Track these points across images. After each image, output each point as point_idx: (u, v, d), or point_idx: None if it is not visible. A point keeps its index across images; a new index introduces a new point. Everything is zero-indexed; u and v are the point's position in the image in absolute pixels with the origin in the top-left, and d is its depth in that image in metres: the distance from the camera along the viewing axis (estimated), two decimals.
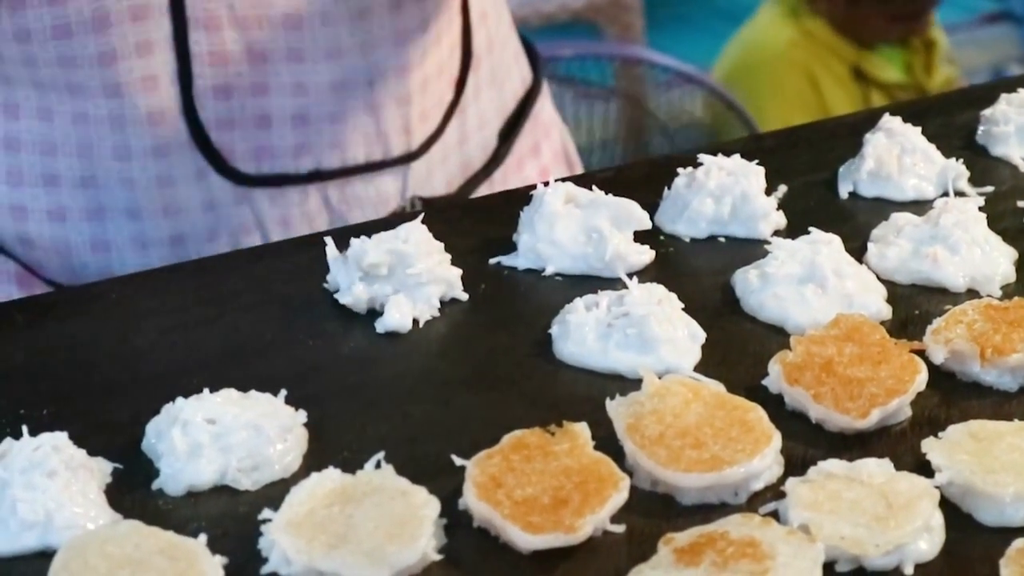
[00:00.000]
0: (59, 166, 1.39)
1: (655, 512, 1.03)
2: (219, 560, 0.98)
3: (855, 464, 1.03)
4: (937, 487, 1.02)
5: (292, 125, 1.41)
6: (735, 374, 1.15)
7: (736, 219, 1.33)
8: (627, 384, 1.14)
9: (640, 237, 1.30)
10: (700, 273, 1.29)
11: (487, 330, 1.23)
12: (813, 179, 1.41)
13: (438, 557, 0.99)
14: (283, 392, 1.11)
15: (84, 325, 1.25)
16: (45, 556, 0.99)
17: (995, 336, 1.15)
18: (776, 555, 0.96)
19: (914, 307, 1.24)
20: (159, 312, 1.26)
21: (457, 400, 1.15)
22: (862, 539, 0.97)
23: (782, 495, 1.02)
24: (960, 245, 1.26)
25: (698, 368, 1.16)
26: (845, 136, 1.46)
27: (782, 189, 1.38)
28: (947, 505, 1.02)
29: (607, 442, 1.06)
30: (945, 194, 1.36)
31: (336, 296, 1.24)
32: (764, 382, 1.14)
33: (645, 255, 1.29)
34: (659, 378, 1.10)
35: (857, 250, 1.29)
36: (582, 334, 1.18)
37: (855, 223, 1.34)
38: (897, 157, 1.39)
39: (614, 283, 1.25)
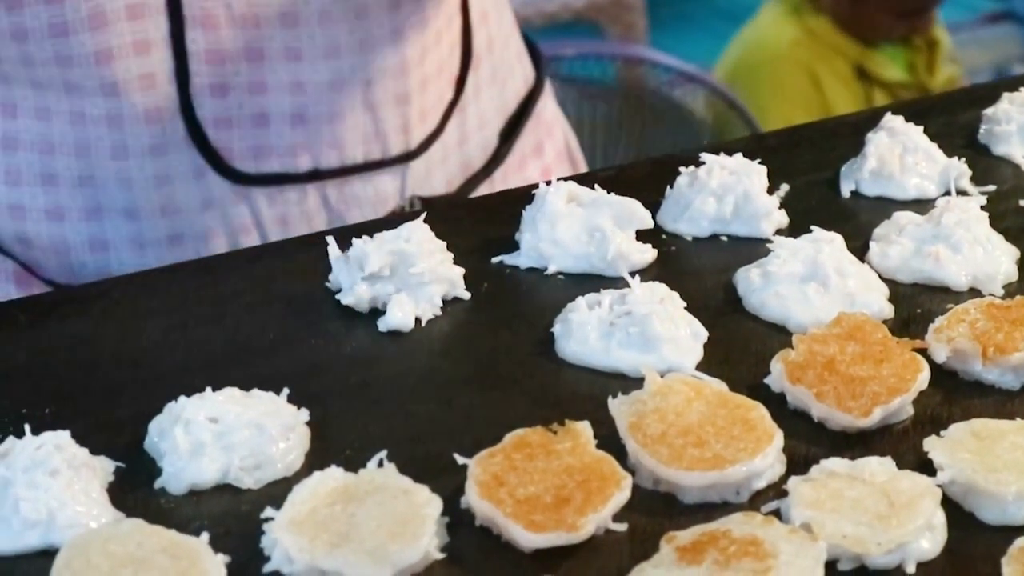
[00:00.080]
0: (57, 165, 1.39)
1: (657, 511, 1.03)
2: (221, 559, 0.98)
3: (857, 463, 1.03)
4: (939, 486, 1.02)
5: (290, 124, 1.41)
6: (737, 373, 1.15)
7: (738, 218, 1.33)
8: (629, 383, 1.14)
9: (642, 236, 1.30)
10: (702, 272, 1.29)
11: (489, 329, 1.23)
12: (815, 178, 1.41)
13: (440, 556, 0.99)
14: (285, 391, 1.11)
15: (86, 324, 1.25)
16: (47, 555, 0.99)
17: (997, 335, 1.15)
18: (778, 554, 0.96)
19: (916, 306, 1.24)
20: (161, 311, 1.26)
21: (459, 399, 1.15)
22: (864, 538, 0.98)
23: (784, 494, 1.02)
24: (962, 244, 1.26)
25: (700, 367, 1.16)
26: (847, 135, 1.46)
27: (784, 188, 1.38)
28: (949, 504, 1.02)
29: (609, 441, 1.06)
30: (947, 193, 1.36)
31: (338, 297, 1.24)
32: (766, 381, 1.14)
33: (647, 254, 1.29)
34: (661, 377, 1.10)
35: (859, 249, 1.29)
36: (584, 333, 1.18)
37: (857, 222, 1.34)
38: (899, 156, 1.39)
39: (616, 282, 1.25)
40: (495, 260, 1.30)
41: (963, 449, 1.05)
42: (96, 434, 1.09)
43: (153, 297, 1.28)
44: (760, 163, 1.35)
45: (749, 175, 1.33)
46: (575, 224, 1.29)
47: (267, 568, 0.98)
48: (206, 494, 1.06)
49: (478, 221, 1.37)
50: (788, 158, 1.44)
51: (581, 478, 1.02)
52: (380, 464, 1.05)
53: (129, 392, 1.16)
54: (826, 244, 1.25)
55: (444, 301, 1.25)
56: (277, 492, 1.04)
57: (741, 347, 1.19)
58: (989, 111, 1.48)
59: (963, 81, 3.36)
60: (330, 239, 1.25)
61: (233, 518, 1.03)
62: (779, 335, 1.20)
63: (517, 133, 1.59)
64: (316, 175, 1.43)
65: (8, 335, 1.23)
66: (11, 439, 1.05)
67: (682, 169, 1.36)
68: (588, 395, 1.14)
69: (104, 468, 1.06)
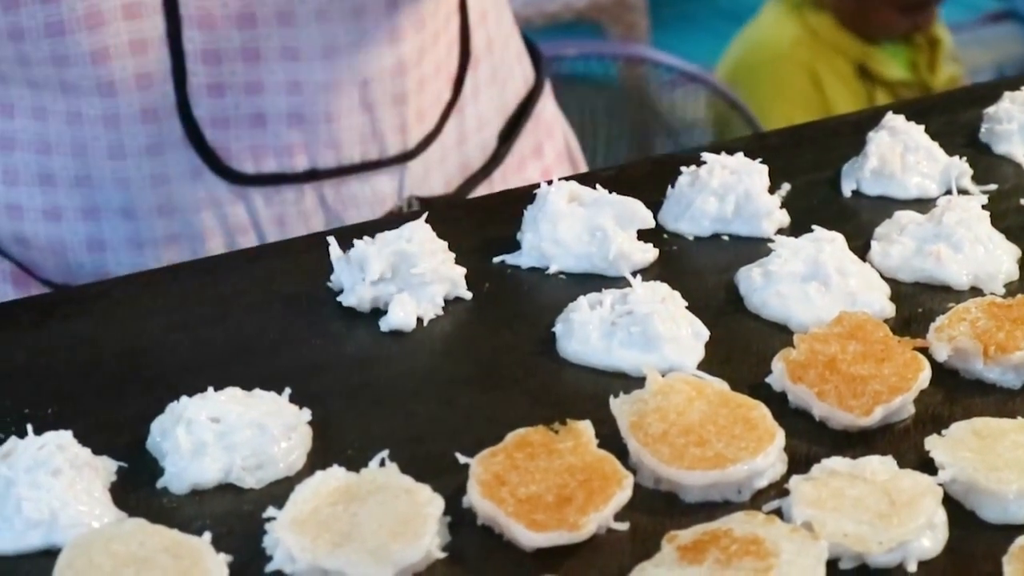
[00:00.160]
0: (54, 166, 1.39)
1: (659, 510, 1.03)
2: (223, 558, 0.98)
3: (858, 461, 1.03)
4: (940, 484, 1.02)
5: (287, 124, 1.40)
6: (738, 372, 1.15)
7: (739, 217, 1.33)
8: (631, 382, 1.14)
9: (644, 235, 1.30)
10: (704, 271, 1.29)
11: (491, 329, 1.23)
12: (816, 177, 1.42)
13: (442, 555, 0.99)
14: (287, 390, 1.11)
15: (88, 324, 1.25)
16: (50, 554, 0.99)
17: (998, 334, 1.15)
18: (779, 552, 0.96)
19: (917, 305, 1.24)
20: (163, 311, 1.26)
21: (461, 398, 1.15)
22: (865, 536, 0.98)
23: (785, 493, 1.02)
24: (963, 243, 1.26)
25: (701, 366, 1.16)
26: (848, 134, 1.46)
27: (785, 187, 1.38)
28: (950, 502, 1.02)
29: (611, 440, 1.06)
30: (948, 192, 1.37)
31: (340, 299, 1.24)
32: (767, 380, 1.14)
33: (649, 253, 1.29)
34: (663, 376, 1.11)
35: (860, 248, 1.29)
36: (586, 332, 1.18)
37: (858, 221, 1.34)
38: (900, 155, 1.39)
39: (618, 281, 1.25)
40: (497, 260, 1.30)
41: (964, 448, 1.05)
42: (98, 434, 1.09)
43: (155, 297, 1.28)
44: (761, 162, 1.35)
45: (750, 174, 1.33)
46: (576, 224, 1.29)
47: (269, 568, 0.98)
48: (208, 494, 1.06)
49: (479, 221, 1.37)
50: (789, 157, 1.44)
51: (583, 477, 1.02)
52: (382, 464, 1.05)
53: (131, 392, 1.16)
54: (827, 243, 1.25)
55: (446, 301, 1.25)
56: (279, 492, 1.04)
57: (742, 346, 1.19)
58: (990, 110, 1.48)
59: (965, 80, 3.36)
60: (331, 240, 1.25)
61: (235, 518, 1.04)
62: (780, 334, 1.20)
63: (516, 134, 1.59)
64: (313, 175, 1.43)
65: (10, 335, 1.24)
66: (13, 439, 1.05)
67: (683, 168, 1.36)
68: (589, 394, 1.14)
69: (106, 468, 1.07)
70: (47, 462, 1.03)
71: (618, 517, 1.01)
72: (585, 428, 1.06)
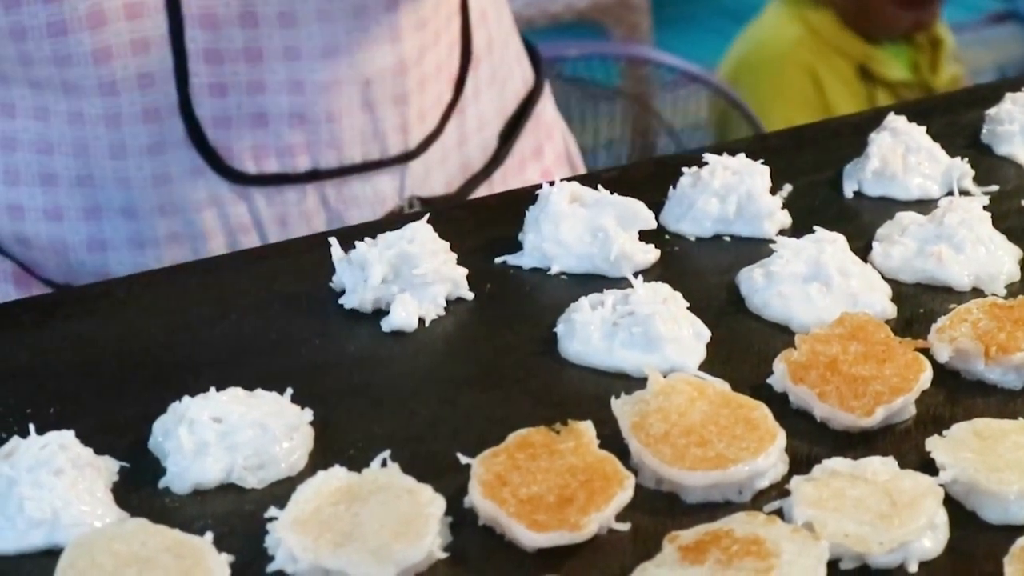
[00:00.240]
0: (56, 165, 1.39)
1: (660, 510, 1.03)
2: (225, 558, 0.98)
3: (859, 462, 1.03)
4: (941, 485, 1.02)
5: (289, 123, 1.41)
6: (740, 373, 1.15)
7: (741, 218, 1.33)
8: (632, 383, 1.14)
9: (645, 236, 1.30)
10: (705, 272, 1.29)
11: (493, 329, 1.23)
12: (818, 178, 1.42)
13: (444, 555, 0.99)
14: (289, 391, 1.11)
15: (90, 324, 1.25)
16: (52, 554, 0.99)
17: (1000, 334, 1.15)
18: (780, 553, 0.96)
19: (919, 306, 1.24)
20: (165, 311, 1.26)
21: (463, 399, 1.15)
22: (866, 537, 0.98)
23: (787, 493, 1.02)
24: (965, 244, 1.26)
25: (703, 367, 1.16)
26: (850, 135, 1.46)
27: (787, 188, 1.38)
28: (951, 503, 1.02)
29: (612, 440, 1.06)
30: (950, 193, 1.37)
31: (341, 302, 1.24)
32: (769, 380, 1.14)
33: (650, 254, 1.29)
34: (664, 376, 1.11)
35: (862, 249, 1.29)
36: (587, 333, 1.18)
37: (860, 222, 1.34)
38: (902, 156, 1.39)
39: (619, 282, 1.25)
40: (498, 260, 1.31)
41: (965, 449, 1.05)
42: (100, 434, 1.09)
43: (157, 297, 1.28)
44: (763, 163, 1.35)
45: (752, 175, 1.33)
46: (578, 224, 1.29)
47: (271, 567, 0.98)
48: (210, 494, 1.06)
49: (481, 221, 1.37)
50: (791, 158, 1.44)
51: (584, 478, 1.02)
52: (384, 464, 1.05)
53: (133, 392, 1.16)
54: (829, 244, 1.25)
55: (447, 301, 1.25)
56: (281, 492, 1.04)
57: (744, 347, 1.19)
58: (992, 111, 1.48)
59: (966, 81, 3.36)
60: (333, 241, 1.25)
61: (237, 517, 1.04)
62: (782, 335, 1.20)
63: (516, 135, 1.59)
64: (315, 175, 1.43)
65: (12, 335, 1.24)
66: (16, 439, 1.06)
67: (685, 169, 1.36)
68: (591, 395, 1.14)
69: (108, 468, 1.07)
70: (49, 462, 1.03)
71: (619, 517, 1.01)
72: (586, 428, 1.06)
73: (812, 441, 1.09)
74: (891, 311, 1.22)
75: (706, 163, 1.35)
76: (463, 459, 1.05)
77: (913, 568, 0.98)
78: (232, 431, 1.07)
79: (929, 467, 1.04)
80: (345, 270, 1.24)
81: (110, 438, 1.09)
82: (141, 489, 1.06)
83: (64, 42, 1.32)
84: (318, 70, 1.39)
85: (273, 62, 1.38)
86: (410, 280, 1.23)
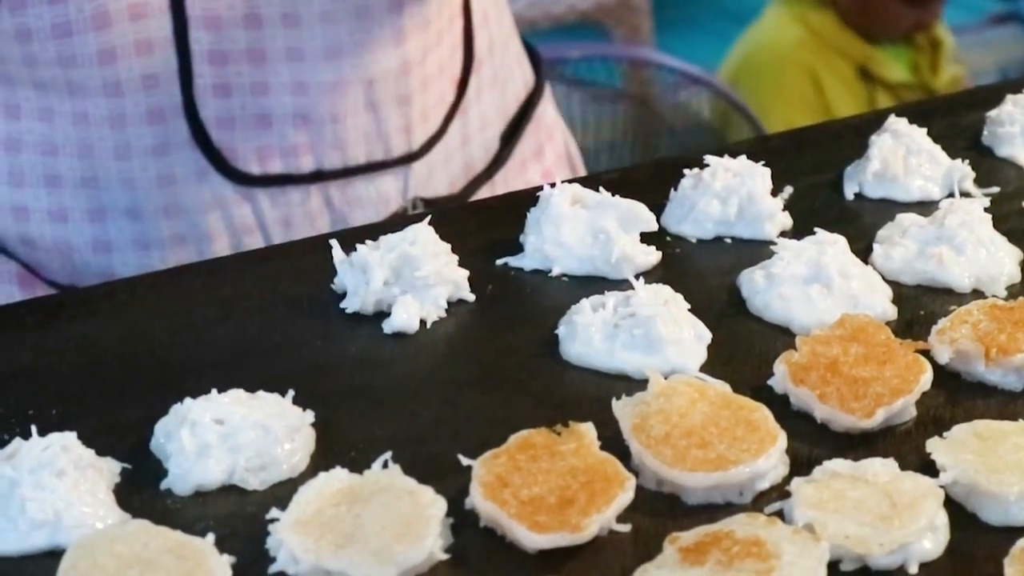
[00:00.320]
0: (60, 167, 1.40)
1: (661, 512, 1.03)
2: (227, 559, 0.98)
3: (860, 464, 1.03)
4: (942, 486, 1.02)
5: (293, 124, 1.41)
6: (741, 374, 1.16)
7: (742, 220, 1.33)
8: (633, 384, 1.14)
9: (646, 238, 1.30)
10: (706, 274, 1.29)
11: (494, 331, 1.23)
12: (819, 180, 1.42)
13: (445, 556, 1.00)
14: (291, 392, 1.12)
15: (93, 326, 1.25)
16: (54, 555, 0.99)
17: (1000, 336, 1.15)
18: (781, 554, 0.96)
19: (919, 307, 1.24)
20: (167, 313, 1.26)
21: (464, 400, 1.15)
22: (867, 538, 0.98)
23: (787, 495, 1.02)
24: (965, 246, 1.27)
25: (704, 368, 1.16)
26: (851, 137, 1.46)
27: (788, 190, 1.38)
28: (951, 504, 1.02)
29: (613, 442, 1.07)
30: (951, 195, 1.37)
31: (343, 305, 1.24)
32: (770, 382, 1.14)
33: (651, 256, 1.29)
34: (665, 378, 1.11)
35: (863, 251, 1.29)
36: (588, 335, 1.18)
37: (861, 224, 1.35)
38: (903, 158, 1.39)
39: (621, 284, 1.25)
40: (500, 262, 1.31)
41: (966, 450, 1.05)
42: (102, 435, 1.09)
43: (159, 299, 1.28)
44: (764, 165, 1.35)
45: (753, 177, 1.33)
46: (579, 226, 1.29)
47: (272, 569, 0.99)
48: (212, 495, 1.06)
49: (482, 223, 1.37)
50: (792, 160, 1.45)
51: (585, 479, 1.02)
52: (385, 465, 1.05)
53: (135, 393, 1.16)
54: (830, 246, 1.25)
55: (449, 303, 1.25)
56: (282, 493, 1.04)
57: (745, 349, 1.20)
58: (993, 113, 1.48)
59: (967, 83, 3.36)
60: (335, 243, 1.25)
61: (239, 519, 1.04)
62: (782, 337, 1.20)
63: (518, 136, 1.60)
64: (319, 176, 1.44)
65: (15, 336, 1.24)
66: (18, 440, 1.06)
67: (686, 171, 1.36)
68: (592, 396, 1.14)
69: (110, 469, 1.07)
70: (51, 463, 1.03)
71: (620, 519, 1.02)
72: (587, 430, 1.06)
73: (813, 443, 1.09)
74: (892, 313, 1.23)
75: (707, 165, 1.35)
76: (464, 460, 1.05)
77: (913, 569, 0.98)
78: (234, 433, 1.07)
79: (929, 468, 1.04)
80: (347, 272, 1.25)
81: (112, 439, 1.10)
82: (143, 490, 1.06)
83: (69, 43, 1.32)
84: (322, 71, 1.39)
85: (277, 63, 1.38)
86: (412, 282, 1.23)
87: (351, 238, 1.26)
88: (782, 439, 1.06)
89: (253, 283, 1.30)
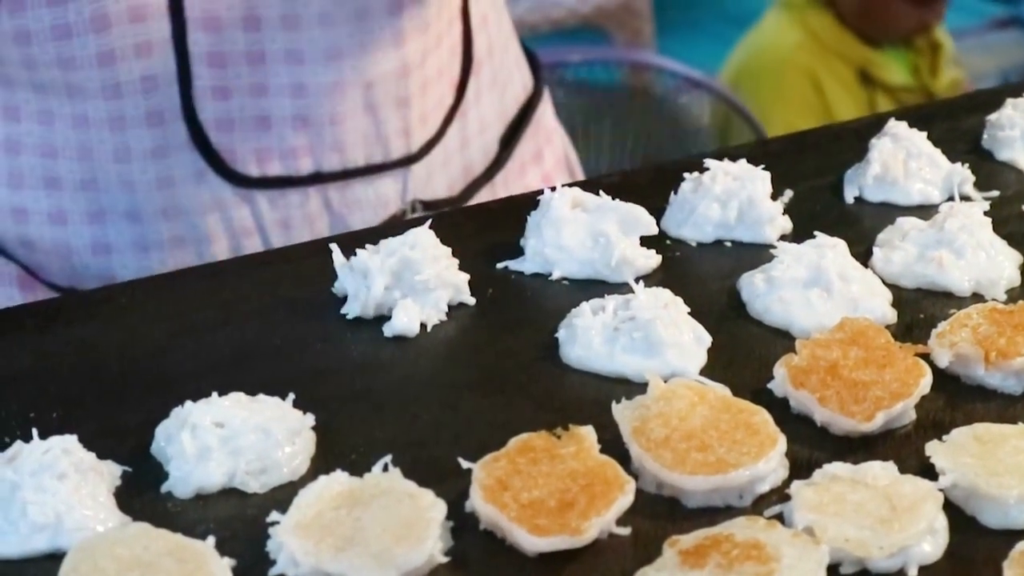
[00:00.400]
0: (60, 169, 1.40)
1: (660, 515, 1.04)
2: (227, 562, 0.98)
3: (860, 467, 1.04)
4: (941, 490, 1.02)
5: (292, 126, 1.41)
6: (741, 377, 1.16)
7: (742, 224, 1.33)
8: (633, 387, 1.14)
9: (646, 241, 1.30)
10: (706, 277, 1.29)
11: (494, 334, 1.23)
12: (819, 184, 1.42)
13: (445, 559, 1.00)
14: (291, 396, 1.12)
15: (93, 329, 1.25)
16: (55, 558, 0.99)
17: (1000, 339, 1.15)
18: (781, 557, 0.96)
19: (919, 311, 1.24)
20: (168, 316, 1.26)
21: (464, 403, 1.15)
22: (866, 541, 0.98)
23: (787, 498, 1.02)
24: (965, 249, 1.27)
25: (704, 372, 1.16)
26: (851, 141, 1.47)
27: (788, 194, 1.38)
28: (951, 508, 1.02)
29: (613, 445, 1.07)
30: (951, 198, 1.37)
31: (344, 311, 1.24)
32: (769, 385, 1.14)
33: (651, 259, 1.30)
34: (665, 381, 1.11)
35: (863, 254, 1.29)
36: (588, 338, 1.18)
37: (861, 227, 1.35)
38: (903, 162, 1.39)
39: (621, 287, 1.25)
40: (500, 266, 1.31)
41: (965, 453, 1.05)
42: (103, 438, 1.09)
43: (159, 302, 1.28)
44: (764, 169, 1.35)
45: (753, 181, 1.34)
46: (580, 230, 1.29)
47: (273, 571, 0.99)
48: (212, 498, 1.06)
49: (483, 227, 1.37)
50: (792, 164, 1.45)
51: (585, 482, 1.02)
52: (385, 468, 1.05)
53: (136, 397, 1.16)
54: (830, 249, 1.25)
55: (449, 306, 1.25)
56: (283, 496, 1.04)
57: (745, 352, 1.20)
58: (993, 117, 1.48)
59: (968, 85, 3.36)
60: (335, 248, 1.25)
61: (239, 522, 1.04)
62: (782, 340, 1.20)
63: (517, 139, 1.60)
64: (318, 178, 1.44)
65: (15, 340, 1.24)
66: (19, 443, 1.06)
67: (686, 175, 1.36)
68: (592, 400, 1.14)
69: (111, 472, 1.07)
70: (52, 466, 1.03)
71: (620, 522, 1.02)
72: (587, 433, 1.06)
73: (812, 446, 1.09)
74: (891, 316, 1.23)
75: (707, 168, 1.35)
76: (464, 463, 1.05)
77: (913, 572, 0.98)
78: (234, 436, 1.07)
79: (929, 472, 1.04)
80: (347, 276, 1.25)
81: (113, 443, 1.10)
82: (143, 493, 1.07)
83: (68, 45, 1.32)
84: (321, 73, 1.39)
85: (276, 65, 1.38)
86: (412, 286, 1.23)
87: (351, 242, 1.26)
88: (782, 442, 1.06)
89: (253, 287, 1.30)
